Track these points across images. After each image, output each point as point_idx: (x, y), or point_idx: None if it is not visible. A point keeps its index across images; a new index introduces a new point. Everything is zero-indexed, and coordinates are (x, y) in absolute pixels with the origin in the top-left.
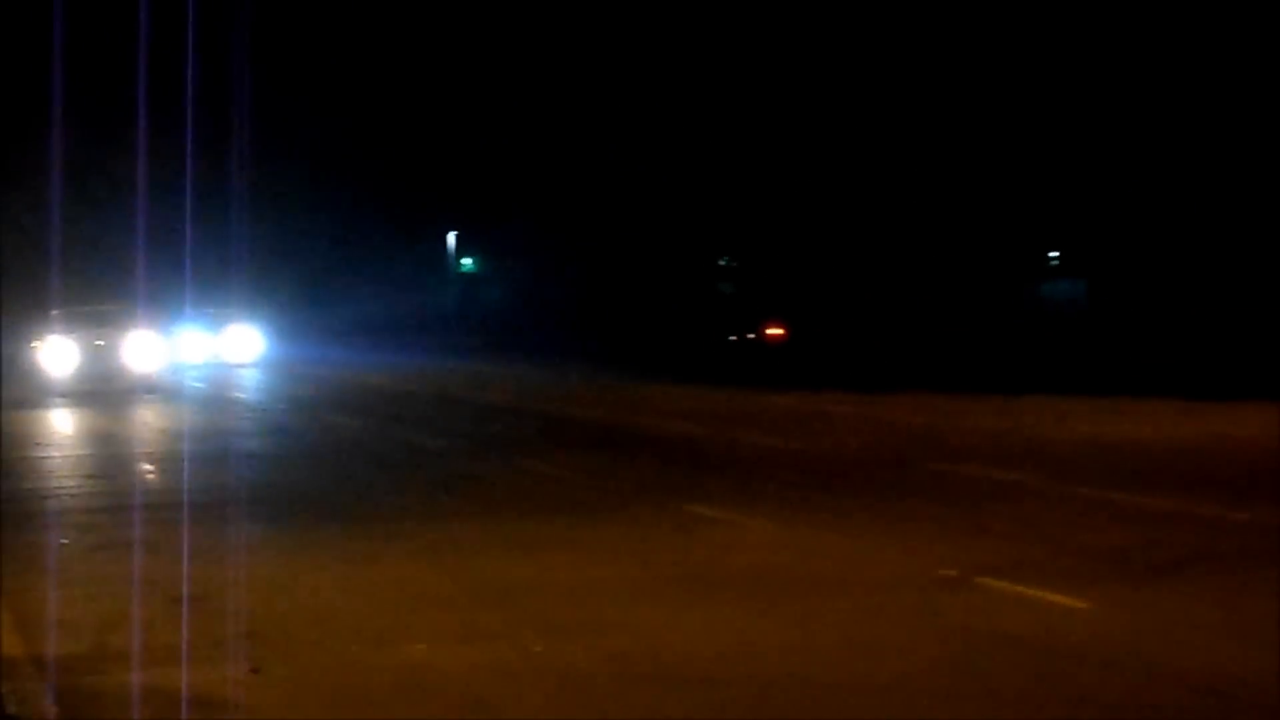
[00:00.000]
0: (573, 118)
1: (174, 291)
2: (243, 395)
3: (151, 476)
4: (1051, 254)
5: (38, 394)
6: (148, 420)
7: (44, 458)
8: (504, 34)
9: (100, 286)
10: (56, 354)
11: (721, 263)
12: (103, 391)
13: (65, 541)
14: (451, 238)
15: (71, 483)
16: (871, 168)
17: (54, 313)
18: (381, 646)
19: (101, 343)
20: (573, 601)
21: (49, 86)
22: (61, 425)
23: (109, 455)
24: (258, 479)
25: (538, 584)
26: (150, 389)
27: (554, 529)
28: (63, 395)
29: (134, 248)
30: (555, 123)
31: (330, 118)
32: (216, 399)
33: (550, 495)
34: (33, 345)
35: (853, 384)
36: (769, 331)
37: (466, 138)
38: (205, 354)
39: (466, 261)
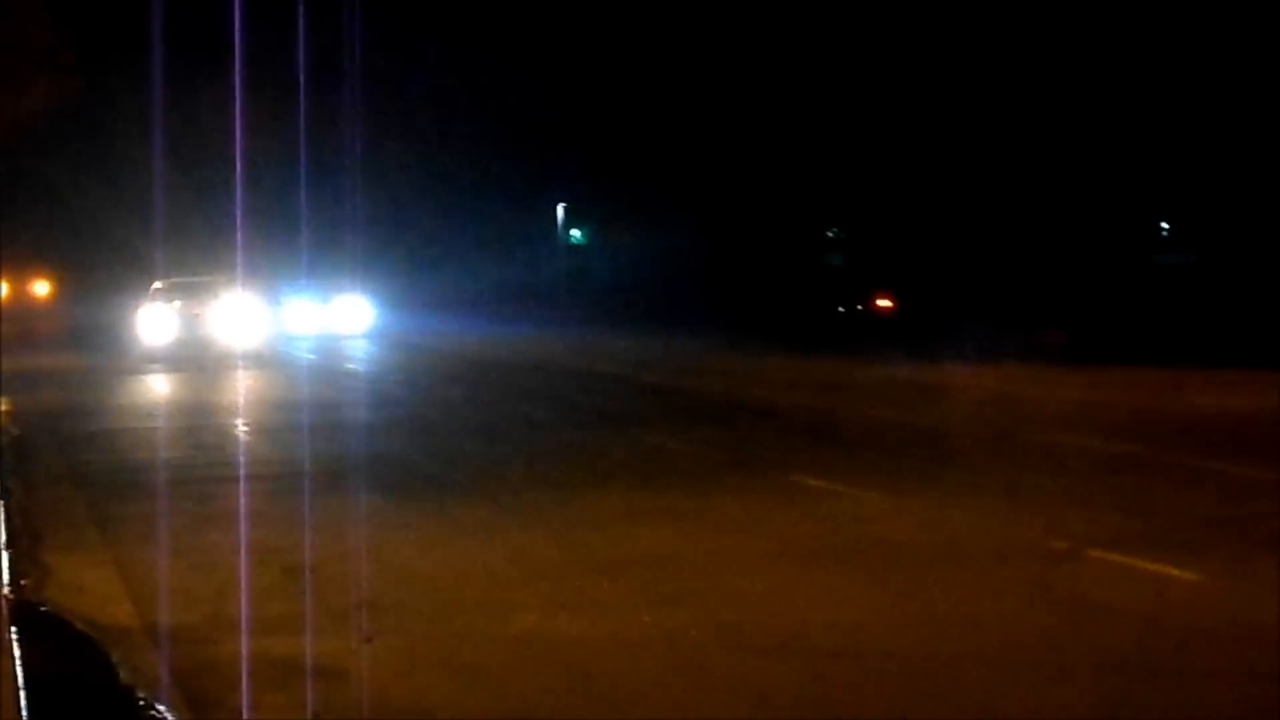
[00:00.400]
0: (682, 88)
1: (284, 262)
2: (352, 366)
3: (263, 447)
4: (1163, 225)
5: (139, 362)
6: (257, 391)
7: (153, 428)
8: (610, 3)
9: (203, 258)
10: (157, 323)
11: (830, 234)
12: (201, 360)
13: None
14: (561, 209)
15: (182, 453)
16: (981, 137)
17: (156, 284)
18: (494, 617)
19: (200, 312)
20: (684, 572)
21: (153, 56)
22: (168, 394)
23: (219, 426)
24: (369, 449)
25: (649, 555)
26: (249, 358)
27: (666, 500)
28: (163, 363)
29: (235, 220)
30: (665, 94)
31: (441, 87)
32: (326, 369)
33: (662, 466)
34: (135, 314)
35: (962, 355)
36: (878, 303)
37: (577, 108)
38: (315, 325)
39: (576, 233)
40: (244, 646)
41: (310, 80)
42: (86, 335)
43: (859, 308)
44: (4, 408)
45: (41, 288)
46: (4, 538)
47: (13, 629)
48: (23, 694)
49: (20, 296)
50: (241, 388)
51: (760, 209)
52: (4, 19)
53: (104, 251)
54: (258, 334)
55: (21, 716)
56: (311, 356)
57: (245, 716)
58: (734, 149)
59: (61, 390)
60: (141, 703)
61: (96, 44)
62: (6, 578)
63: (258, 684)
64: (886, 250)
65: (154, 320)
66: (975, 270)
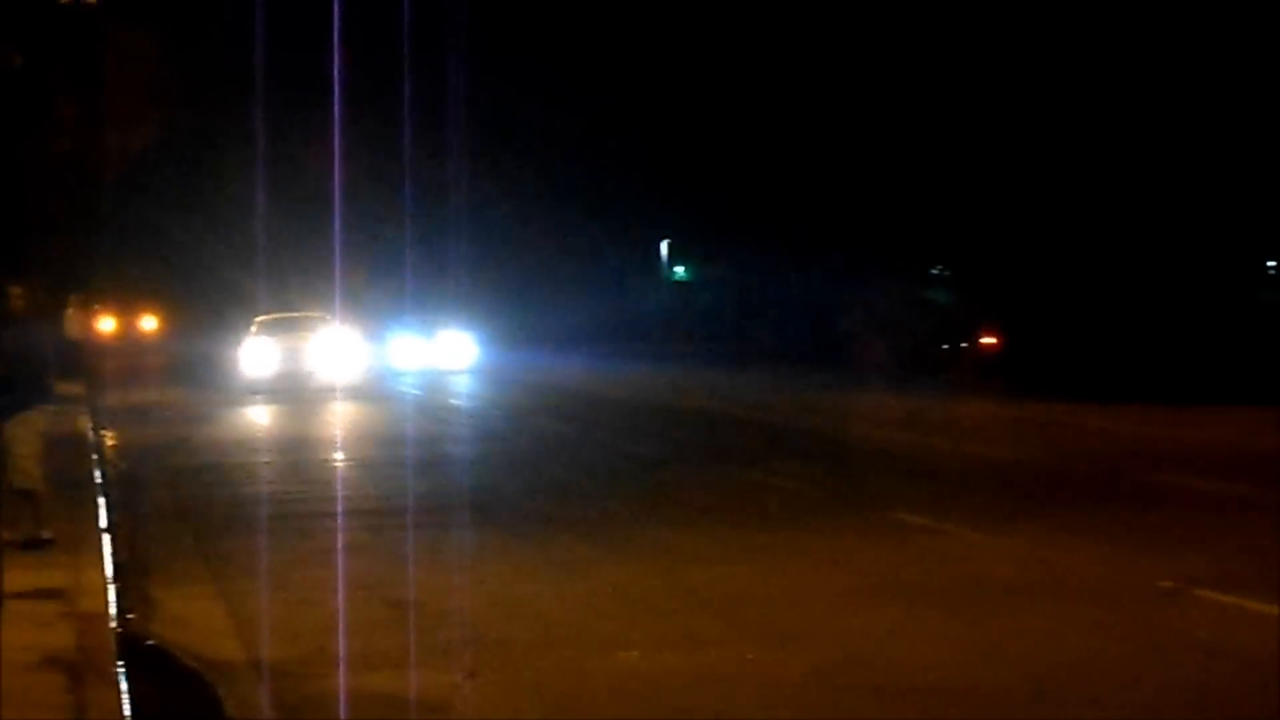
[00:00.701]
0: (788, 125)
1: (388, 297)
2: (456, 401)
3: (367, 482)
4: (1270, 263)
5: (242, 395)
6: (361, 425)
7: (258, 462)
8: (717, 41)
9: (304, 293)
10: (258, 357)
11: (934, 271)
12: (301, 393)
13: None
14: (664, 245)
15: (287, 488)
16: (1088, 174)
17: (258, 318)
18: (596, 652)
19: (300, 347)
20: (786, 609)
21: (257, 93)
22: (272, 428)
23: (323, 460)
24: (472, 484)
25: (751, 592)
26: (349, 392)
27: (767, 536)
28: (265, 395)
29: (334, 257)
30: (770, 130)
31: (546, 123)
32: (430, 404)
33: (763, 503)
34: (236, 348)
35: (1067, 393)
36: (983, 340)
37: (682, 144)
38: (419, 360)
39: (679, 269)
40: (347, 681)
41: (415, 116)
42: (192, 369)
43: (963, 345)
44: (112, 442)
45: (149, 323)
46: (112, 571)
47: (120, 662)
48: None
49: (129, 331)
50: (345, 422)
51: (864, 245)
52: (116, 57)
53: (210, 287)
54: (356, 368)
55: None
56: (416, 391)
57: None
58: (838, 186)
59: (168, 424)
60: None
61: (203, 81)
62: (114, 611)
63: (361, 719)
64: (992, 287)
65: (255, 354)
66: (1081, 308)
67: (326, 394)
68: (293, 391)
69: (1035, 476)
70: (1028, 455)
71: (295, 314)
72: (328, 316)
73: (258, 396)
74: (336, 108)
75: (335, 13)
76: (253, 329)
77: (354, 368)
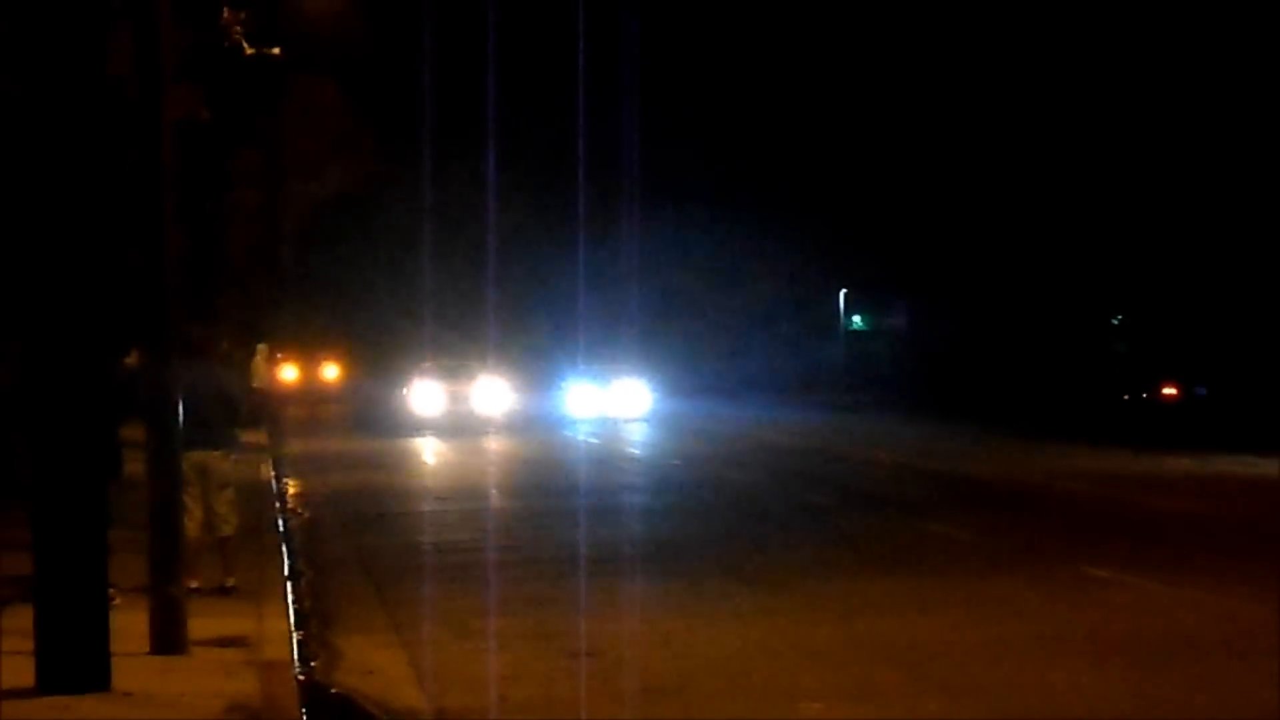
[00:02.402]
0: (965, 177)
1: (564, 346)
2: (632, 449)
3: (545, 531)
4: None
5: (407, 430)
6: (539, 474)
7: (437, 511)
8: (896, 91)
9: (469, 341)
10: (423, 397)
11: (1115, 321)
12: (459, 429)
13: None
14: (843, 295)
15: (466, 536)
16: (1268, 226)
17: (423, 364)
18: (777, 703)
19: (462, 390)
20: (969, 662)
21: (421, 146)
22: (448, 475)
23: (502, 509)
24: (649, 533)
25: (931, 643)
26: (518, 437)
27: (947, 588)
28: (428, 431)
29: (499, 303)
30: (948, 182)
31: (721, 174)
32: (607, 453)
33: (943, 554)
34: (402, 390)
35: (1251, 445)
36: (1164, 391)
37: (860, 194)
38: (594, 407)
39: (857, 319)
40: None
41: (590, 166)
42: (370, 416)
43: (1144, 396)
44: (293, 489)
45: (331, 371)
46: (294, 619)
47: (304, 710)
48: None
49: (311, 379)
50: (522, 470)
51: (1044, 296)
52: (298, 109)
53: (387, 335)
54: (503, 408)
55: None
56: (592, 440)
57: None
58: (1018, 237)
59: (348, 471)
60: None
61: (382, 131)
62: (297, 659)
63: None
64: (1172, 338)
65: (423, 396)
66: (1265, 359)
67: (486, 429)
68: (457, 428)
69: (1220, 529)
70: (1212, 508)
71: (454, 360)
72: (483, 361)
73: (427, 436)
74: (492, 158)
75: (503, 65)
76: (419, 373)
77: (505, 410)
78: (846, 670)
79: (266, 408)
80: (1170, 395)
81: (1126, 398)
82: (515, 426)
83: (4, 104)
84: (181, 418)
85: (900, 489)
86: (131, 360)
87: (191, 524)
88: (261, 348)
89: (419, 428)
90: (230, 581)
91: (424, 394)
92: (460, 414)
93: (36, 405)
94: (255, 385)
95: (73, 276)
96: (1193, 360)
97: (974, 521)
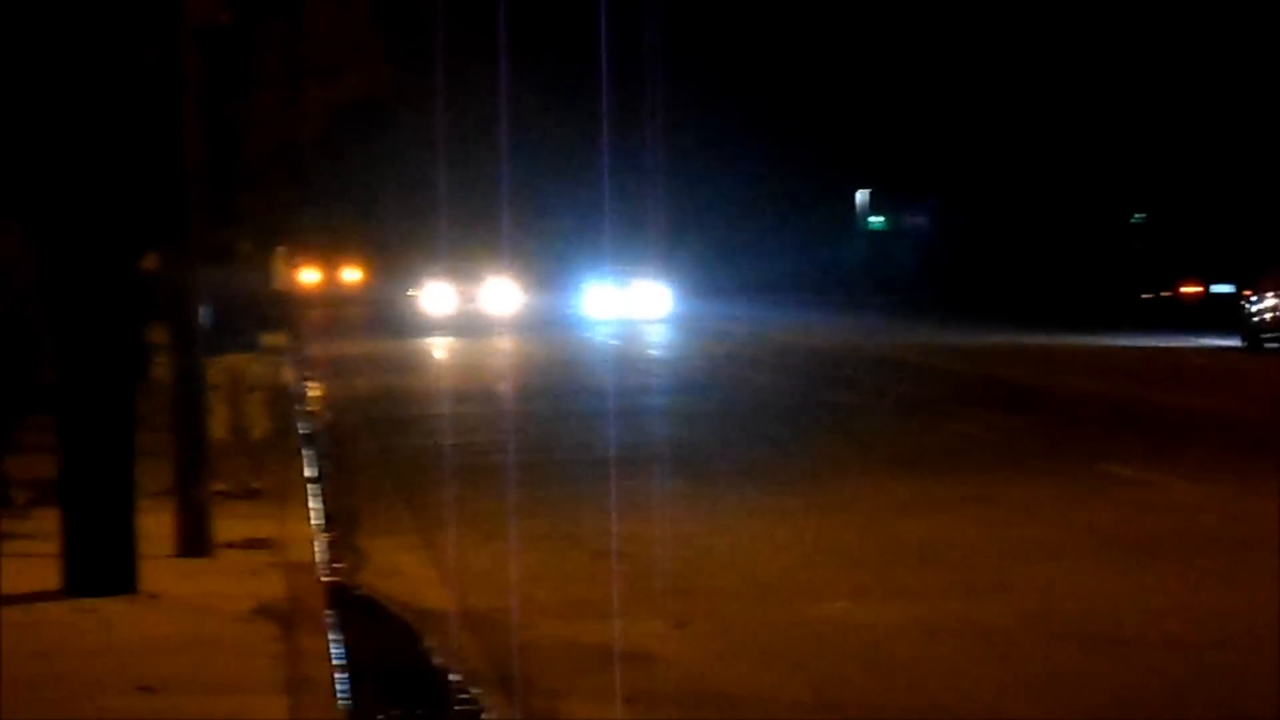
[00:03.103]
0: (982, 73)
1: (584, 248)
2: (652, 351)
3: (569, 432)
4: None
5: (420, 331)
6: (559, 375)
7: (460, 413)
8: None
9: (475, 244)
10: (434, 298)
11: (1135, 219)
12: (468, 329)
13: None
14: (861, 195)
15: (490, 438)
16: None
17: (434, 266)
18: (802, 602)
19: (468, 291)
20: (989, 560)
21: (441, 48)
22: (469, 377)
23: (524, 411)
24: (674, 435)
25: (953, 542)
26: (507, 330)
27: (968, 487)
28: (440, 332)
29: (503, 210)
30: (965, 79)
31: (739, 74)
32: (628, 354)
33: (963, 453)
34: (410, 292)
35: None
36: (1184, 289)
37: (878, 93)
38: (613, 309)
39: (876, 219)
40: (556, 631)
41: (611, 66)
42: (390, 318)
43: (1164, 294)
44: (318, 393)
45: (352, 274)
46: (319, 522)
47: (330, 611)
48: (341, 675)
49: (332, 283)
50: (542, 372)
51: (1065, 195)
52: (320, 12)
53: (407, 238)
54: (518, 311)
55: (340, 697)
56: (613, 341)
57: (560, 700)
58: (1038, 136)
59: (369, 374)
60: (457, 686)
61: (403, 36)
62: (322, 561)
63: (571, 668)
64: (1192, 236)
65: (434, 297)
66: None
67: (485, 327)
68: (459, 325)
69: (1242, 427)
70: (1234, 405)
71: (466, 263)
72: (493, 263)
73: (430, 331)
74: (504, 62)
75: None
76: (430, 275)
77: (514, 311)
78: (869, 569)
79: (286, 309)
80: (1191, 293)
81: (1147, 296)
82: (531, 327)
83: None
84: (209, 321)
85: (921, 388)
86: (154, 264)
87: (218, 426)
88: (280, 250)
89: (430, 328)
90: (256, 484)
91: (435, 295)
92: (470, 315)
93: (61, 303)
94: (276, 288)
95: (96, 173)
96: (1213, 258)
97: (992, 420)
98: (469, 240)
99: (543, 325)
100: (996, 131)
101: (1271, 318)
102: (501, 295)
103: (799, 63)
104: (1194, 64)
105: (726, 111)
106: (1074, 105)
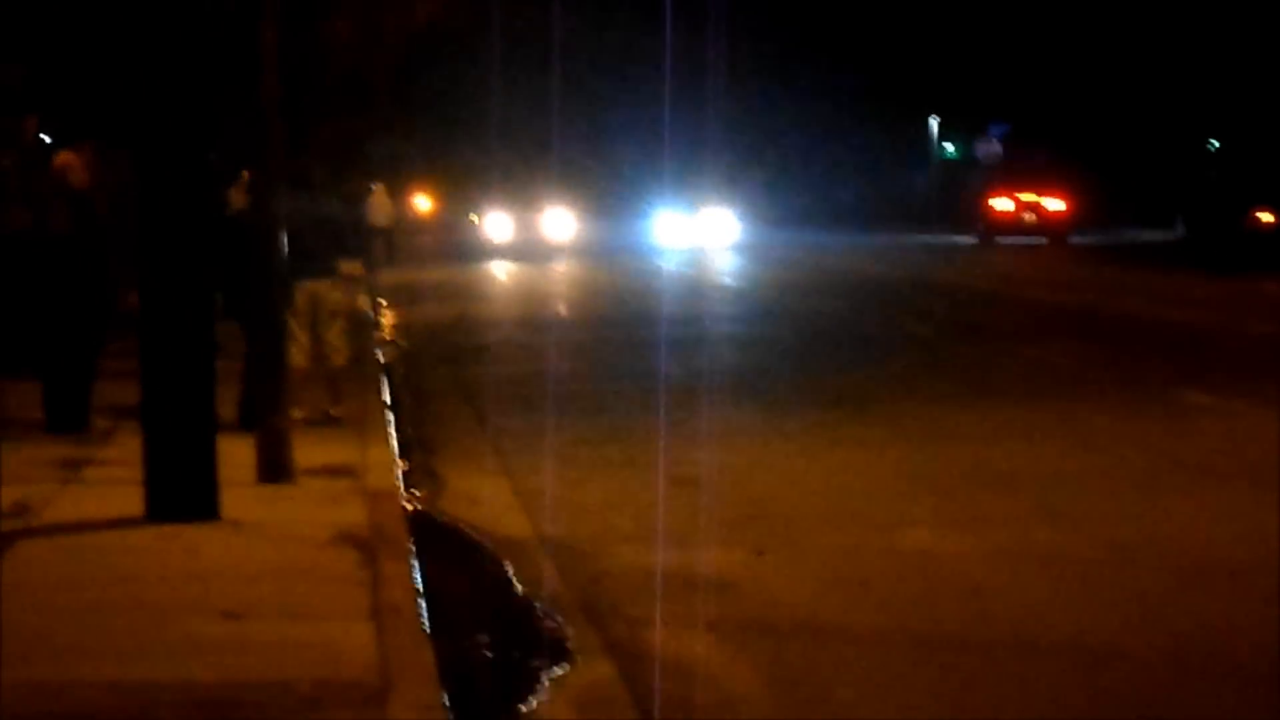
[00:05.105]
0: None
1: (652, 176)
2: (724, 279)
3: (645, 359)
4: None
5: (481, 255)
6: (634, 303)
7: (538, 341)
8: None
9: (537, 172)
10: (494, 224)
11: (1210, 146)
12: (527, 254)
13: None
14: (934, 122)
15: (567, 366)
16: None
17: (492, 193)
18: (882, 531)
19: (529, 217)
20: (1071, 489)
21: None
22: (542, 305)
23: (601, 338)
24: (751, 363)
25: (1034, 471)
26: (563, 253)
27: (1048, 415)
28: (499, 257)
29: (553, 139)
30: (1038, 5)
31: (808, 1)
32: (699, 282)
33: (1042, 381)
34: (470, 217)
35: None
36: (1259, 216)
37: (950, 19)
38: (682, 237)
39: (949, 146)
40: (637, 558)
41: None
42: (454, 244)
43: (1238, 222)
44: (392, 321)
45: (423, 203)
46: (398, 449)
47: (411, 538)
48: (424, 602)
49: (404, 211)
50: (617, 299)
51: (1139, 122)
52: None
53: (473, 166)
54: (568, 234)
55: (423, 624)
56: (685, 270)
57: (644, 627)
58: (1111, 64)
59: (442, 302)
60: (538, 612)
61: None
62: (402, 488)
63: (651, 596)
64: (1268, 164)
65: (494, 224)
66: None
67: (543, 252)
68: (518, 250)
69: None
70: None
71: (522, 188)
72: (551, 190)
73: (491, 255)
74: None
75: None
76: (490, 202)
77: (571, 237)
78: (949, 498)
79: (396, 244)
80: (1266, 221)
81: (1220, 224)
82: (600, 254)
83: None
84: (290, 248)
85: (996, 317)
86: (237, 194)
87: (299, 353)
88: (378, 186)
89: (491, 254)
90: (336, 411)
91: (495, 222)
92: (529, 241)
93: (147, 228)
94: (383, 223)
95: (180, 97)
96: None
97: (1073, 348)
98: (531, 169)
99: (612, 252)
100: (1068, 58)
101: None
102: (559, 223)
103: None
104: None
105: (795, 37)
106: (1147, 31)
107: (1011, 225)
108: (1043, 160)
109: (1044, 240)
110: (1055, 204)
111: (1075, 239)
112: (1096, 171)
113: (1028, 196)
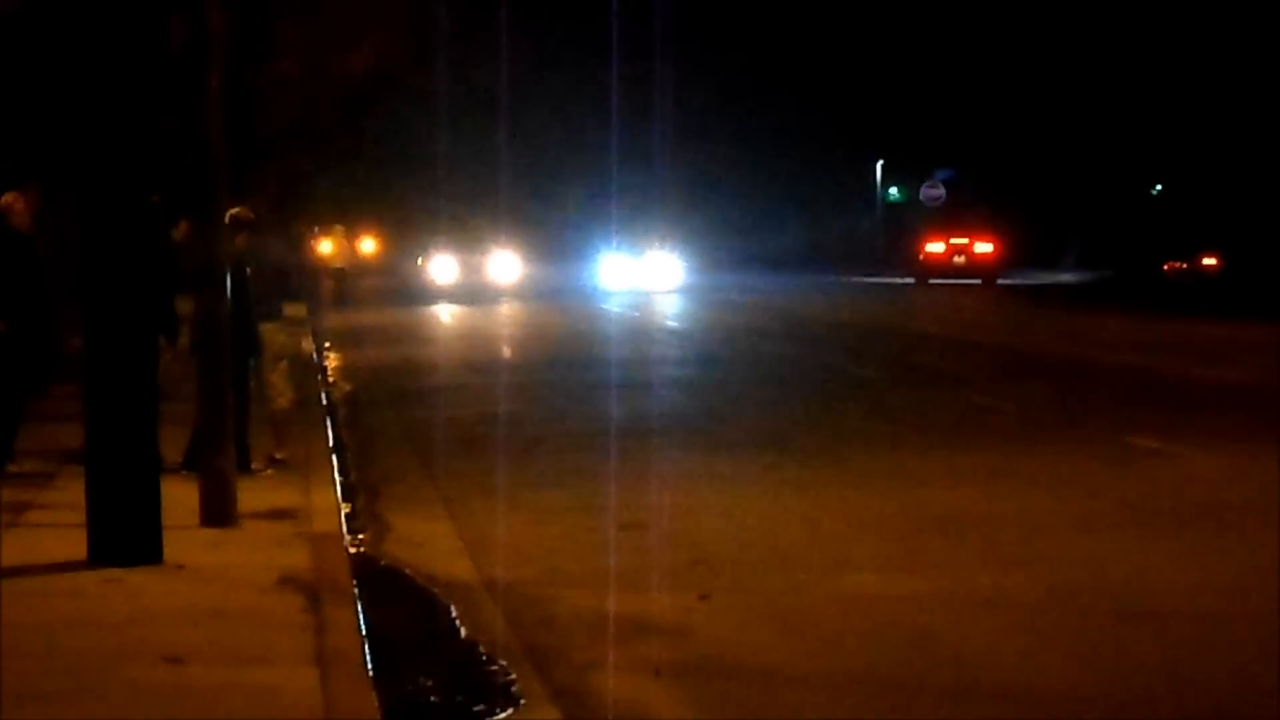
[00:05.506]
0: (1000, 46)
1: (597, 220)
2: (670, 322)
3: (589, 403)
4: None
5: (427, 297)
6: (577, 346)
7: (478, 384)
8: None
9: (481, 216)
10: (440, 267)
11: (1155, 191)
12: (472, 298)
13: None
14: (879, 167)
15: (509, 409)
16: None
17: (437, 236)
18: (827, 574)
19: (473, 260)
20: (1016, 532)
21: (455, 21)
22: (487, 348)
23: (543, 381)
24: (696, 407)
25: (979, 514)
26: (508, 296)
27: (992, 458)
28: (444, 300)
29: (499, 183)
30: (982, 50)
31: (754, 46)
32: (644, 325)
33: (986, 425)
34: (417, 260)
35: None
36: (1204, 261)
37: (894, 65)
38: (627, 279)
39: (894, 190)
40: (582, 602)
41: (622, 39)
42: (400, 288)
43: (1184, 266)
44: (335, 363)
45: (368, 245)
46: (342, 492)
47: (355, 582)
48: (367, 647)
49: (348, 254)
50: (562, 343)
51: (1083, 166)
52: None
53: (418, 210)
54: (512, 277)
55: (367, 669)
56: (631, 313)
57: (587, 671)
58: (1057, 108)
59: (386, 344)
60: (483, 656)
61: (417, 6)
62: (347, 531)
63: (597, 640)
64: (1212, 208)
65: (440, 267)
66: None
67: (499, 299)
68: (463, 292)
69: (1265, 399)
70: (1255, 378)
71: (467, 233)
72: (494, 234)
73: (437, 299)
74: (514, 34)
75: None
76: (436, 246)
77: (516, 280)
78: (895, 541)
79: (305, 281)
80: (1211, 265)
81: (1167, 267)
82: (544, 296)
83: None
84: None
85: (942, 361)
86: (180, 234)
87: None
88: (337, 228)
89: (436, 296)
90: (281, 454)
91: (441, 265)
92: (475, 283)
93: (89, 270)
94: (341, 264)
95: (124, 139)
96: (1233, 231)
97: (1018, 393)
98: (476, 212)
99: (557, 294)
100: (1014, 102)
101: None
102: (504, 265)
103: (815, 33)
104: (1206, 29)
105: (741, 82)
106: (1092, 77)
107: (943, 267)
108: (979, 204)
109: (978, 281)
110: (985, 246)
111: (1005, 280)
112: (1034, 215)
113: (959, 240)
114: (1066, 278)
